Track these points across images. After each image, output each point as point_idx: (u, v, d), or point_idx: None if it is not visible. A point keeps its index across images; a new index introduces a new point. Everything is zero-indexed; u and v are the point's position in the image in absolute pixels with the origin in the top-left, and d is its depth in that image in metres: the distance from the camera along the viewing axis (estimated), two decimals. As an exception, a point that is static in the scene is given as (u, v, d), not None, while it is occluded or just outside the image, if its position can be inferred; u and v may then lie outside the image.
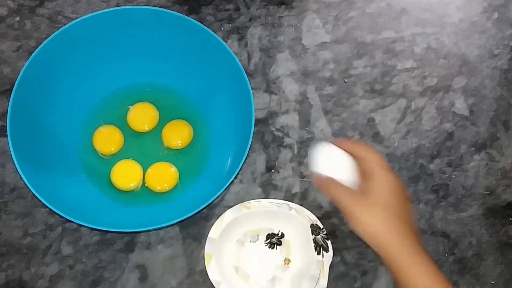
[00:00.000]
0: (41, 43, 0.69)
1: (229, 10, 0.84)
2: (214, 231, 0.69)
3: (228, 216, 0.69)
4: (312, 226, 0.70)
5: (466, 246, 0.75)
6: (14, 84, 0.67)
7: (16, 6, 0.82)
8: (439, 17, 0.86)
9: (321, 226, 0.70)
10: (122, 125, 0.76)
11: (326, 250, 0.69)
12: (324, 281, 0.67)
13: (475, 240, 0.76)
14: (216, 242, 0.68)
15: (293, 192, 0.76)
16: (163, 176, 0.74)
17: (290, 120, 0.79)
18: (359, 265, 0.73)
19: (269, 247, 0.71)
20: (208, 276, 0.70)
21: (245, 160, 0.67)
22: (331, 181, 0.62)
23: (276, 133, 0.78)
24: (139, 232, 0.72)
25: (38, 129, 0.71)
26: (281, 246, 0.71)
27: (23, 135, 0.67)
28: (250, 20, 0.83)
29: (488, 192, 0.78)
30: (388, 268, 0.58)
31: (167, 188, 0.73)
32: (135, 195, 0.74)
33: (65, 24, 0.71)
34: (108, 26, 0.72)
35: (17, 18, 0.81)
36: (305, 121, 0.79)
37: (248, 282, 0.69)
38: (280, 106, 0.79)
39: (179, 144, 0.76)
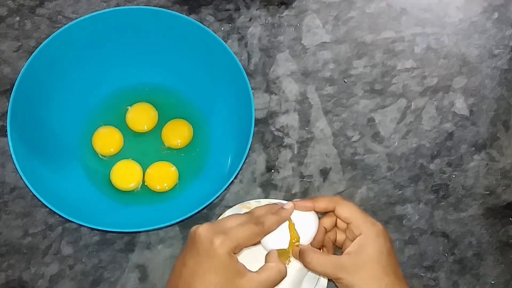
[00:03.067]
0: (41, 43, 0.69)
1: (229, 10, 0.84)
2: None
3: (226, 216, 0.69)
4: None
5: (466, 246, 0.75)
6: (14, 84, 0.67)
7: (16, 6, 0.82)
8: (439, 17, 0.86)
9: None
10: (122, 125, 0.76)
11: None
12: (324, 281, 0.67)
13: (475, 240, 0.76)
14: None
15: (293, 192, 0.76)
16: (163, 175, 0.74)
17: (290, 120, 0.79)
18: (359, 265, 0.73)
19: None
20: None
21: (245, 160, 0.67)
22: (307, 250, 0.59)
23: (276, 133, 0.78)
24: (139, 232, 0.72)
25: (38, 129, 0.71)
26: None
27: (23, 135, 0.67)
28: (250, 20, 0.83)
29: (488, 192, 0.78)
30: None
31: (167, 187, 0.74)
32: (135, 195, 0.74)
33: (65, 24, 0.71)
34: (108, 26, 0.72)
35: (17, 18, 0.81)
36: (305, 121, 0.79)
37: None
38: (280, 106, 0.79)
39: (179, 144, 0.76)
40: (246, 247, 0.57)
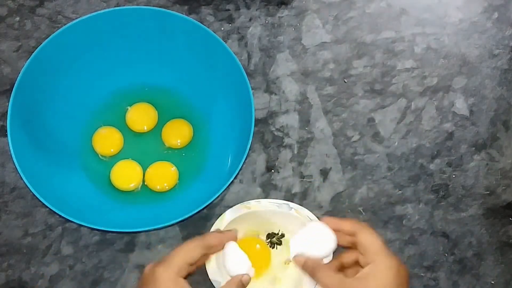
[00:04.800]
0: (41, 43, 0.69)
1: (229, 10, 0.84)
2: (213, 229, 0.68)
3: (228, 216, 0.69)
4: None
5: (466, 246, 0.75)
6: (14, 84, 0.67)
7: (16, 6, 0.82)
8: (439, 17, 0.86)
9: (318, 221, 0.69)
10: (122, 125, 0.76)
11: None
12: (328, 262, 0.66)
13: (475, 240, 0.76)
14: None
15: (293, 192, 0.76)
16: (163, 175, 0.74)
17: (290, 120, 0.79)
18: (359, 265, 0.73)
19: (270, 247, 0.71)
20: (208, 276, 0.70)
21: (245, 160, 0.67)
22: (317, 263, 0.59)
23: (276, 133, 0.78)
24: (139, 232, 0.72)
25: (38, 129, 0.71)
26: (281, 245, 0.71)
27: (23, 135, 0.67)
28: (250, 20, 0.83)
29: (488, 192, 0.78)
30: None
31: (167, 187, 0.74)
32: (135, 195, 0.74)
33: (65, 24, 0.71)
34: (108, 26, 0.72)
35: (17, 18, 0.81)
36: (305, 121, 0.79)
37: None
38: (280, 106, 0.79)
39: (179, 143, 0.76)
40: (191, 267, 0.59)
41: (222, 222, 0.68)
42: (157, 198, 0.73)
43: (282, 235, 0.71)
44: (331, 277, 0.57)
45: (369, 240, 0.58)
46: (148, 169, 0.74)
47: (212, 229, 0.69)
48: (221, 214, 0.70)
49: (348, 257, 0.60)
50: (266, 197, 0.75)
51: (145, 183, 0.74)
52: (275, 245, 0.71)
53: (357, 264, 0.60)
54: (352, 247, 0.60)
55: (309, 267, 0.60)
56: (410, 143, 0.79)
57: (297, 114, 0.79)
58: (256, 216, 0.70)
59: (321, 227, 0.62)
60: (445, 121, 0.80)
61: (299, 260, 0.61)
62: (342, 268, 0.60)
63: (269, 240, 0.71)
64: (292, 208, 0.70)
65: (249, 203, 0.70)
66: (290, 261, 0.70)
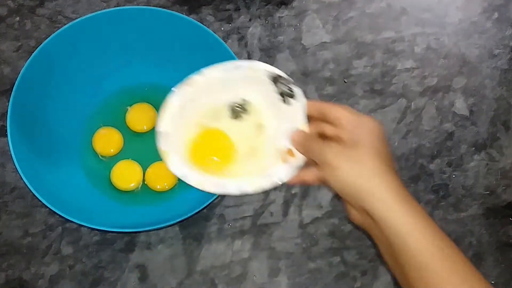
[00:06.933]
0: (41, 43, 0.69)
1: (229, 10, 0.84)
2: (163, 124, 0.59)
3: (173, 102, 0.60)
4: (271, 78, 0.60)
5: (466, 246, 0.75)
6: (14, 84, 0.67)
7: (16, 6, 0.82)
8: (439, 17, 0.86)
9: (281, 74, 0.60)
10: (122, 125, 0.76)
11: (293, 96, 0.60)
12: (305, 127, 0.59)
13: (475, 240, 0.76)
14: (171, 135, 0.59)
15: (293, 192, 0.75)
16: (163, 174, 0.74)
17: (290, 120, 0.79)
18: (358, 265, 0.73)
19: (235, 118, 0.62)
20: (208, 276, 0.70)
21: (245, 160, 0.67)
22: (308, 134, 0.56)
23: (276, 133, 0.78)
24: (139, 232, 0.72)
25: (38, 129, 0.71)
26: (247, 113, 0.62)
27: (23, 135, 0.67)
28: (250, 20, 0.83)
29: (488, 192, 0.78)
30: (379, 228, 0.50)
31: (167, 187, 0.74)
32: (135, 195, 0.74)
33: (65, 24, 0.71)
34: (108, 26, 0.72)
35: (17, 18, 0.81)
36: (305, 121, 0.79)
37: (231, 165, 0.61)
38: (280, 106, 0.79)
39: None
40: None
41: (168, 111, 0.60)
42: (157, 198, 0.73)
43: (244, 101, 0.62)
44: (329, 147, 0.53)
45: (342, 111, 0.55)
46: (148, 169, 0.74)
47: (160, 122, 0.59)
48: (221, 214, 0.70)
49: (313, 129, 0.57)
50: (266, 197, 0.75)
51: (145, 183, 0.74)
52: (240, 114, 0.62)
53: (321, 136, 0.57)
54: (319, 118, 0.57)
55: (303, 142, 0.56)
56: (410, 143, 0.79)
57: (297, 114, 0.79)
58: (207, 91, 0.62)
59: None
60: (445, 121, 0.80)
61: (296, 135, 0.57)
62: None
63: (232, 111, 0.62)
64: (240, 66, 0.61)
65: (189, 79, 0.61)
66: (263, 125, 0.62)
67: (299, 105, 0.59)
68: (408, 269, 0.49)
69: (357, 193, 0.51)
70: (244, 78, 0.61)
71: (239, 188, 0.58)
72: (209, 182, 0.58)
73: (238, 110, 0.62)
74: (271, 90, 0.60)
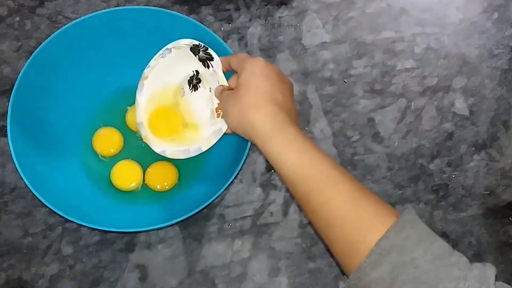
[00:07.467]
0: (41, 43, 0.69)
1: (229, 10, 0.84)
2: (140, 117, 0.70)
3: (141, 99, 0.70)
4: (191, 49, 0.69)
5: (466, 246, 0.75)
6: (14, 84, 0.67)
7: (16, 6, 0.82)
8: (439, 17, 0.86)
9: (197, 43, 0.69)
10: (122, 125, 0.76)
11: (212, 59, 0.69)
12: (223, 82, 0.68)
13: (475, 240, 0.76)
14: (144, 123, 0.70)
15: (293, 192, 0.76)
16: (163, 174, 0.74)
17: (290, 120, 0.79)
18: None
19: (196, 90, 0.71)
20: (208, 276, 0.70)
21: (245, 160, 0.67)
22: (218, 88, 0.66)
23: (276, 133, 0.78)
24: (139, 232, 0.72)
25: (38, 129, 0.71)
26: (202, 82, 0.71)
27: (23, 135, 0.67)
28: (250, 20, 0.83)
29: (488, 192, 0.78)
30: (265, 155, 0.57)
31: (167, 187, 0.74)
32: (135, 195, 0.74)
33: (65, 24, 0.71)
34: (108, 26, 0.72)
35: (17, 18, 0.81)
36: (305, 121, 0.79)
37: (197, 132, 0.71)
38: (280, 106, 0.79)
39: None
40: None
41: (141, 108, 0.70)
42: (157, 198, 0.73)
43: (197, 72, 0.71)
44: (223, 94, 0.64)
45: (239, 57, 0.64)
46: (148, 169, 0.74)
47: (137, 118, 0.70)
48: (221, 214, 0.70)
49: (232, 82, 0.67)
50: (266, 197, 0.75)
51: (145, 183, 0.74)
52: (197, 85, 0.71)
53: None
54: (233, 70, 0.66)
55: (216, 96, 0.67)
56: (410, 143, 0.79)
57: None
58: (163, 76, 0.71)
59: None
60: (445, 121, 0.80)
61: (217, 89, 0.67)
62: None
63: (191, 85, 0.72)
64: (171, 48, 0.69)
65: (143, 73, 0.70)
66: (211, 88, 0.70)
67: (217, 65, 0.68)
68: (289, 187, 0.56)
69: (243, 130, 0.59)
70: (180, 57, 0.70)
71: (197, 150, 0.69)
72: (169, 150, 0.69)
73: (195, 83, 0.71)
74: (197, 59, 0.69)
